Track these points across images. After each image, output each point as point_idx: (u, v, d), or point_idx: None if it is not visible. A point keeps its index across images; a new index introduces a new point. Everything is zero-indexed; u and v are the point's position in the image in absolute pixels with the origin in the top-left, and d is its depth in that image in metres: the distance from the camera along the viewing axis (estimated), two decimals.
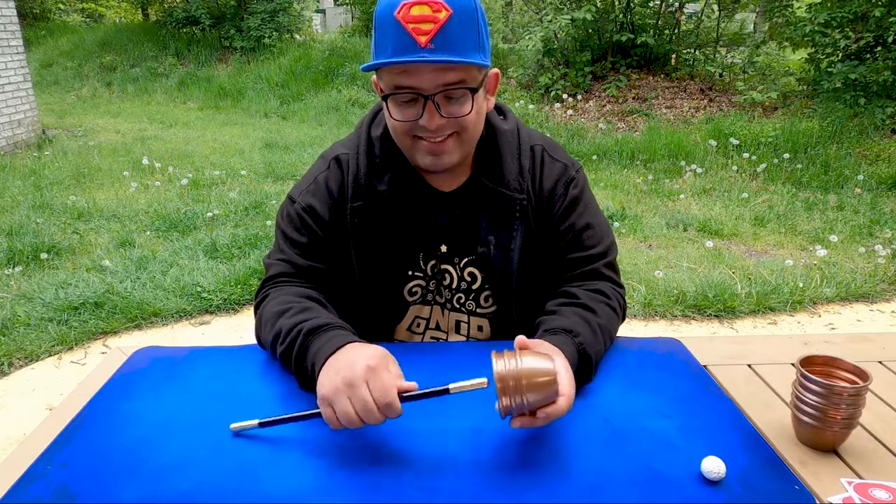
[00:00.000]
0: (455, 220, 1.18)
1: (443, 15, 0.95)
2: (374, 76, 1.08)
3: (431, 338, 1.27)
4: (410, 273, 1.20)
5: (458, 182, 1.18)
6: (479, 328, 1.25)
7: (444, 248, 1.19)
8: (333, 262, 1.18)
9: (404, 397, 0.85)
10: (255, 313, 1.16)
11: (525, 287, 1.20)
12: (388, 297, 1.20)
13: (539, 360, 0.85)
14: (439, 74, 0.99)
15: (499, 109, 1.22)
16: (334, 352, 0.92)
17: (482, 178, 1.16)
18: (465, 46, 0.98)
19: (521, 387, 0.82)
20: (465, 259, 1.20)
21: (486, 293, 1.21)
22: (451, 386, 0.86)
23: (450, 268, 1.20)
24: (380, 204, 1.14)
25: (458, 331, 1.26)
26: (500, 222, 1.16)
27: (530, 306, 1.21)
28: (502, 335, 1.25)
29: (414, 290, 1.21)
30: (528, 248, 1.18)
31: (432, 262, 1.20)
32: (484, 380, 0.85)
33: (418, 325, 1.25)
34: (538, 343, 0.95)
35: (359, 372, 0.84)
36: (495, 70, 1.11)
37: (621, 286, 1.22)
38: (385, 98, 1.03)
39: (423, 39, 0.95)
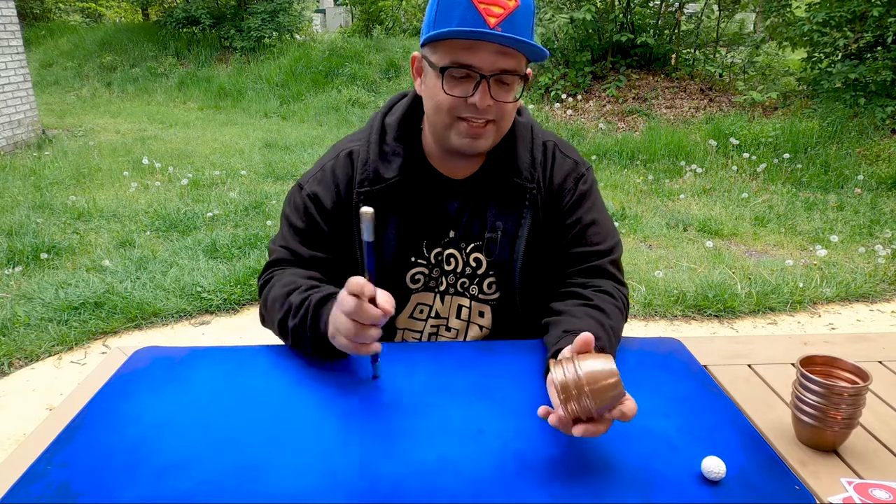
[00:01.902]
0: (465, 207, 1.21)
1: (513, 3, 1.01)
2: (420, 52, 1.12)
3: (432, 325, 1.27)
4: (413, 260, 1.21)
5: (470, 170, 1.21)
6: (481, 314, 1.26)
7: (452, 234, 1.21)
8: (335, 251, 1.21)
9: None
10: (260, 295, 1.20)
11: (529, 277, 1.22)
12: (390, 285, 1.20)
13: (600, 361, 0.80)
14: (500, 58, 1.03)
15: None
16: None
17: (495, 167, 1.19)
18: (526, 37, 1.03)
19: (583, 392, 0.79)
20: (472, 245, 1.22)
21: (490, 279, 1.23)
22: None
23: (455, 252, 1.22)
24: (388, 191, 1.17)
25: (458, 315, 1.26)
26: (510, 210, 1.19)
27: (534, 298, 1.23)
28: (505, 325, 1.26)
29: (416, 277, 1.23)
30: (534, 238, 1.20)
31: (437, 250, 1.22)
32: None
33: (421, 312, 1.26)
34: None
35: (344, 301, 0.93)
36: (529, 70, 1.13)
37: (624, 285, 1.23)
38: (443, 70, 1.05)
39: (492, 21, 1.00)
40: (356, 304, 0.91)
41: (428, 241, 1.21)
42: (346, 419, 0.95)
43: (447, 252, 1.22)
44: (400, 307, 1.25)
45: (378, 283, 1.20)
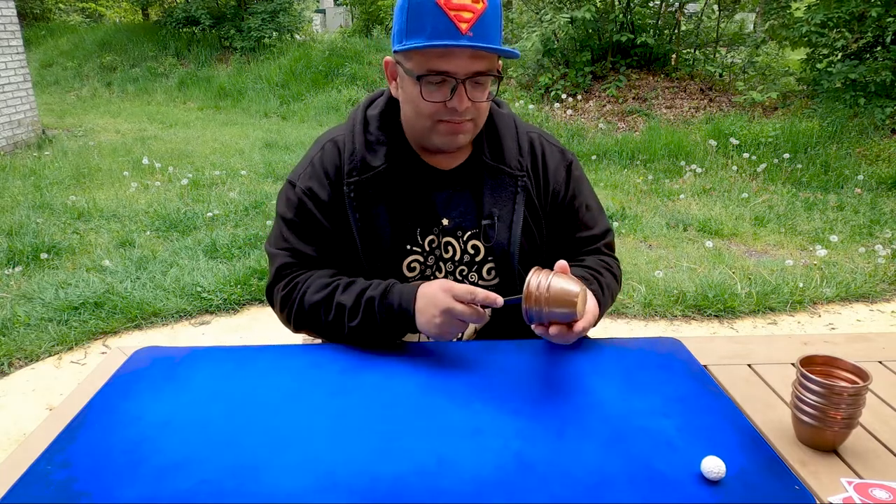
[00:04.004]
0: (456, 196, 1.24)
1: (480, 6, 1.04)
2: (392, 57, 1.16)
3: None
4: (409, 248, 1.23)
5: (457, 161, 1.25)
6: None
7: (446, 222, 1.24)
8: (335, 243, 1.22)
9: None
10: (283, 307, 1.20)
11: (527, 260, 1.25)
12: (388, 275, 1.22)
13: (569, 282, 0.96)
14: (473, 62, 1.07)
15: (494, 101, 1.30)
16: (413, 300, 1.09)
17: (483, 157, 1.23)
18: (496, 37, 1.07)
19: (542, 299, 0.95)
20: (469, 232, 1.24)
21: (489, 266, 1.25)
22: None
23: (453, 240, 1.24)
24: (376, 179, 1.19)
25: None
26: (503, 197, 1.23)
27: None
28: (505, 311, 1.26)
29: (412, 265, 1.24)
30: (530, 223, 1.25)
31: (430, 238, 1.24)
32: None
33: None
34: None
35: (442, 300, 1.04)
36: (500, 63, 1.17)
37: (617, 258, 1.36)
38: (419, 78, 1.09)
39: (464, 27, 1.03)
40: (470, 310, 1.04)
41: (421, 228, 1.23)
42: (346, 419, 0.95)
43: (444, 240, 1.24)
44: None
45: (376, 272, 1.22)
